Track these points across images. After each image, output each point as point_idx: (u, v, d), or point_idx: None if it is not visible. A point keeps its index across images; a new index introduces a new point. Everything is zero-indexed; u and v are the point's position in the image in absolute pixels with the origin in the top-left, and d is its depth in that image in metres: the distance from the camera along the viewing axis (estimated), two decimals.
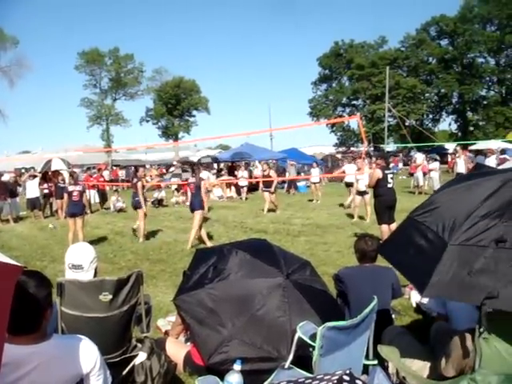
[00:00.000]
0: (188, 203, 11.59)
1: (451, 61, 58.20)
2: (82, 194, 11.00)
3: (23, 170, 31.35)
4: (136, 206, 11.81)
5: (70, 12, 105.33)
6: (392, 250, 3.34)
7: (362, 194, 13.57)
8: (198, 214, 10.57)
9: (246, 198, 22.37)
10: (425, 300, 5.24)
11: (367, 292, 3.74)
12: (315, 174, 21.87)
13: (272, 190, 16.35)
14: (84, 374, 2.28)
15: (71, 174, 12.28)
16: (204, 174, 17.78)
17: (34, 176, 17.88)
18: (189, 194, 11.43)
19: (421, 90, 58.98)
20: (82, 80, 62.01)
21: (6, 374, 1.61)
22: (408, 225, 3.23)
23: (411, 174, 25.32)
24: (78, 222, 10.75)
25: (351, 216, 14.26)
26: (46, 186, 18.06)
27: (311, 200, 19.86)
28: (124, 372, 3.39)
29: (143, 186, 12.00)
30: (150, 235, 12.14)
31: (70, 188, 10.89)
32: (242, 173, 22.97)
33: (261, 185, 18.46)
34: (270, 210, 16.31)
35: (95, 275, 3.48)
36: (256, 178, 23.23)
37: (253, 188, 24.44)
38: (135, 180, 12.12)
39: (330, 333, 2.91)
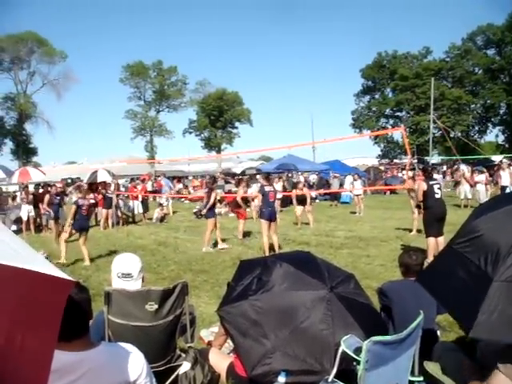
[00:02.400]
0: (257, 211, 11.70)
1: (498, 71, 56.94)
2: (90, 208, 10.87)
3: (69, 180, 32.15)
4: (206, 215, 12.06)
5: (115, 26, 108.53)
6: (432, 281, 3.23)
7: (418, 206, 13.47)
8: (275, 224, 11.14)
9: (281, 211, 22.11)
10: None
11: (412, 307, 3.68)
12: (357, 186, 21.65)
13: (308, 207, 16.37)
14: (131, 382, 2.29)
15: (79, 187, 12.14)
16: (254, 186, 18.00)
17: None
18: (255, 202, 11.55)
19: (466, 101, 57.80)
20: (127, 92, 63.88)
21: (53, 381, 1.61)
22: (448, 255, 3.12)
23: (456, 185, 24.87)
24: (84, 236, 10.72)
25: (396, 229, 14.13)
26: (91, 196, 18.35)
27: (354, 212, 19.69)
28: (168, 381, 3.43)
29: (215, 198, 12.21)
30: (192, 246, 12.30)
31: (80, 201, 10.68)
32: (275, 185, 22.76)
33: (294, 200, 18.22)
34: (302, 223, 16.26)
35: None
36: (287, 193, 22.87)
37: (289, 201, 24.16)
38: (207, 190, 12.42)
39: (376, 347, 2.87)
